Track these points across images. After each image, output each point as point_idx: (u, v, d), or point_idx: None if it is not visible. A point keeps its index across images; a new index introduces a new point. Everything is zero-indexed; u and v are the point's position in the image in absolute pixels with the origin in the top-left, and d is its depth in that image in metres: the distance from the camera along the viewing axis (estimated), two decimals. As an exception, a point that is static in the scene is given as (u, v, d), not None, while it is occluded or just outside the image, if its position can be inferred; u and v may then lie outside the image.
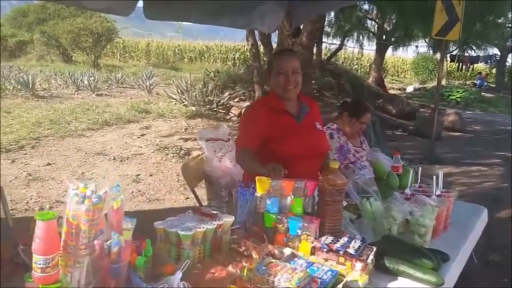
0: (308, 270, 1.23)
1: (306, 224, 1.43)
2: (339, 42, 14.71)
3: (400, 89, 20.47)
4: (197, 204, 3.77)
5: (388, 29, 15.52)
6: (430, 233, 1.64)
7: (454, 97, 16.94)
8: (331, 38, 13.98)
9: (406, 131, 9.81)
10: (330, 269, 1.28)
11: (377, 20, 15.04)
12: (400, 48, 17.98)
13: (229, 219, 1.36)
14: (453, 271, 1.56)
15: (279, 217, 1.48)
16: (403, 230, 1.68)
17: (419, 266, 1.41)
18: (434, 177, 1.92)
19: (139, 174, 4.99)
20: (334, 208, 1.54)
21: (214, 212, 1.40)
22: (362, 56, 24.52)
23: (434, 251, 1.54)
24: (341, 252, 1.36)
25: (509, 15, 14.63)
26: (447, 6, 6.45)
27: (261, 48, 8.88)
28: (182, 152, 5.83)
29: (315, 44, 9.26)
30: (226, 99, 9.00)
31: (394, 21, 12.98)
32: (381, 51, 16.21)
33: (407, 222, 1.68)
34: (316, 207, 1.62)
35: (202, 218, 1.35)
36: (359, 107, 3.12)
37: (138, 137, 6.62)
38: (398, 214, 1.64)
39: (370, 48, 18.12)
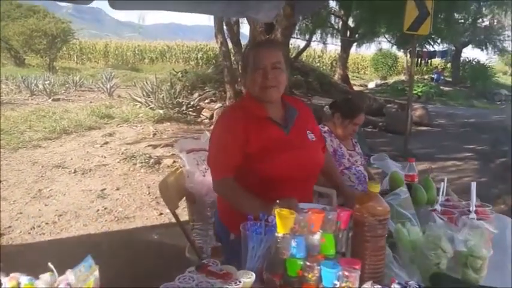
0: None
1: (345, 273, 1.08)
2: (304, 40, 14.56)
3: (361, 85, 20.75)
4: (173, 221, 3.36)
5: (352, 26, 15.55)
6: (486, 266, 1.33)
7: (415, 92, 17.25)
8: (296, 35, 13.77)
9: (376, 128, 9.77)
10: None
11: (342, 17, 15.02)
12: (364, 45, 18.15)
13: (248, 280, 0.99)
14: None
15: (308, 263, 1.12)
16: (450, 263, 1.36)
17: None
18: (472, 188, 1.62)
19: (104, 189, 4.48)
20: (375, 245, 1.20)
21: (227, 269, 1.01)
22: (323, 53, 24.67)
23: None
24: (398, 309, 1.03)
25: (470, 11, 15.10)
26: (417, 1, 6.37)
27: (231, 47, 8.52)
28: (152, 160, 5.34)
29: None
30: (196, 100, 8.56)
31: (360, 17, 12.96)
32: (345, 48, 16.25)
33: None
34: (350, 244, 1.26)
35: (210, 279, 0.97)
36: (353, 106, 2.84)
37: (101, 146, 6.06)
38: (449, 245, 1.31)
39: (333, 46, 18.18)
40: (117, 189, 4.52)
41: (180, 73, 11.04)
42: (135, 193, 4.44)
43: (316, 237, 1.18)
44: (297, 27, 13.46)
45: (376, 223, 1.18)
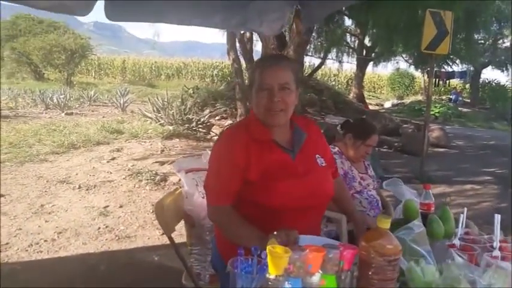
0: None
1: (348, 322, 0.91)
2: (318, 58, 14.50)
3: (377, 105, 20.55)
4: (175, 242, 3.20)
5: (368, 44, 15.47)
6: (512, 314, 1.14)
7: (432, 112, 16.97)
8: (311, 53, 13.72)
9: (392, 148, 9.54)
10: None
11: (358, 36, 14.95)
12: (380, 64, 18.04)
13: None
14: None
15: (304, 309, 0.96)
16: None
17: None
18: (496, 221, 1.44)
19: (107, 206, 4.35)
20: (384, 289, 1.03)
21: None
22: (339, 72, 24.63)
23: None
24: None
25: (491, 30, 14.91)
26: (436, 19, 6.22)
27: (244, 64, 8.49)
28: (158, 177, 5.21)
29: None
30: (206, 117, 8.47)
31: (376, 36, 12.86)
32: (361, 67, 16.15)
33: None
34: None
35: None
36: (366, 127, 2.70)
37: (107, 161, 5.97)
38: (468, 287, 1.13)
39: (349, 64, 18.09)
40: (121, 206, 4.39)
41: (191, 89, 11.05)
42: (139, 211, 4.31)
43: (315, 279, 1.01)
44: (312, 45, 13.45)
45: (385, 264, 1.01)
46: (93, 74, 25.94)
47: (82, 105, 12.73)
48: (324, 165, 1.64)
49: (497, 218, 1.50)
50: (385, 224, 1.04)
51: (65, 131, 7.79)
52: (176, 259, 3.23)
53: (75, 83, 19.96)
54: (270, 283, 0.98)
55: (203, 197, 2.26)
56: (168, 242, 3.72)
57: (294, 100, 1.55)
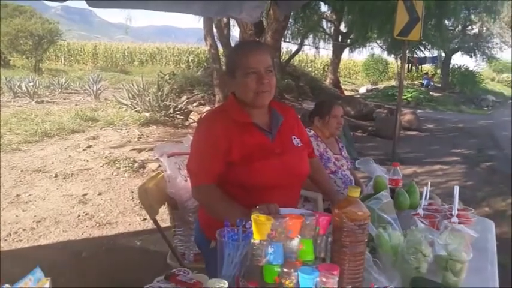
0: None
1: (323, 279, 1.03)
2: (295, 44, 14.58)
3: (353, 90, 20.88)
4: (154, 227, 3.27)
5: (344, 31, 15.64)
6: (465, 269, 1.30)
7: (405, 97, 17.41)
8: (288, 39, 13.78)
9: (366, 132, 9.80)
10: None
11: (334, 22, 15.08)
12: (356, 50, 18.27)
13: (220, 286, 0.93)
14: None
15: (285, 270, 1.07)
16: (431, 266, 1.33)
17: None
18: (455, 192, 1.59)
19: (86, 194, 4.36)
20: (354, 251, 1.15)
21: (196, 277, 0.95)
22: (315, 58, 24.79)
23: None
24: (377, 318, 0.98)
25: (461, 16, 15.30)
26: (408, 6, 6.39)
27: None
28: (136, 165, 5.23)
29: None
30: (184, 103, 8.44)
31: (351, 22, 13.02)
32: (337, 53, 16.33)
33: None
34: (329, 250, 1.21)
35: (180, 288, 0.91)
36: (325, 104, 2.88)
37: (83, 150, 5.93)
38: (429, 249, 1.28)
39: (326, 50, 18.26)
40: (99, 194, 4.41)
41: (168, 75, 10.92)
42: (118, 198, 4.34)
43: (294, 243, 1.13)
44: (289, 31, 13.49)
45: (355, 228, 1.14)
46: (63, 61, 25.10)
47: (53, 92, 12.39)
48: (300, 145, 1.75)
49: (456, 189, 1.65)
50: (355, 193, 1.16)
51: (37, 120, 7.63)
52: (159, 243, 3.34)
53: (43, 69, 19.29)
54: (254, 247, 1.09)
55: (186, 180, 2.34)
56: (150, 227, 3.83)
57: (275, 82, 1.66)
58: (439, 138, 10.36)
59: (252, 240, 1.09)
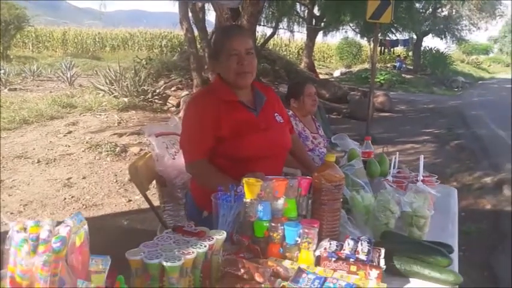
0: (325, 289, 1.02)
1: (305, 230, 1.21)
2: (270, 28, 14.61)
3: (327, 74, 21.12)
4: (143, 207, 3.42)
5: (317, 14, 15.74)
6: (428, 224, 1.50)
7: (378, 79, 17.78)
8: (263, 23, 13.80)
9: (341, 114, 10.06)
10: (346, 283, 1.08)
11: (308, 5, 15.16)
12: (329, 34, 18.42)
13: (220, 237, 1.09)
14: (456, 263, 1.43)
15: (273, 224, 1.24)
16: (398, 223, 1.53)
17: (433, 265, 1.26)
18: (420, 161, 1.79)
19: (70, 178, 4.44)
20: (332, 207, 1.34)
21: (200, 228, 1.11)
22: (290, 42, 24.84)
23: (437, 243, 1.40)
24: (352, 260, 1.17)
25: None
26: (379, -11, 6.57)
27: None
28: (118, 149, 5.31)
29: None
30: (161, 88, 8.46)
31: (324, 6, 13.15)
32: (311, 36, 16.44)
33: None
34: (310, 208, 1.39)
35: (187, 238, 1.06)
36: (297, 85, 3.04)
37: (64, 135, 5.94)
38: (396, 207, 1.48)
39: (300, 34, 18.33)
40: (84, 177, 4.49)
41: (144, 60, 10.84)
42: (102, 181, 4.43)
43: (280, 202, 1.30)
44: (264, 15, 13.52)
45: (332, 188, 1.32)
46: (31, 47, 24.28)
47: (25, 80, 12.12)
48: (282, 121, 1.92)
49: (421, 158, 1.87)
50: (332, 158, 1.34)
51: (13, 107, 7.51)
52: (146, 222, 3.48)
53: (12, 57, 18.69)
54: (247, 206, 1.26)
55: (173, 159, 2.48)
56: (136, 208, 3.95)
57: (256, 64, 1.80)
58: (411, 119, 10.75)
59: (244, 200, 1.26)
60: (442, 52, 25.61)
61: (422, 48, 25.00)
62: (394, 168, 1.98)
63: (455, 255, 1.46)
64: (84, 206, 3.83)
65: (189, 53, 8.43)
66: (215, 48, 1.84)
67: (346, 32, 20.18)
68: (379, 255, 1.21)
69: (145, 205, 2.47)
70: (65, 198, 3.96)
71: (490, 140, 8.24)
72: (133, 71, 8.80)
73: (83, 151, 5.29)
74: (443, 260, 1.27)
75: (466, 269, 3.24)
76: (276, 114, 1.90)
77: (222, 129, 1.71)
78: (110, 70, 8.93)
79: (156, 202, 2.71)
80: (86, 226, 0.78)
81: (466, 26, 26.26)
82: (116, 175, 4.58)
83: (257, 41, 13.93)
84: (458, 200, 5.12)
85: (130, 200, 3.99)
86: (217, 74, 1.85)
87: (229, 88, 1.78)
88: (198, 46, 8.49)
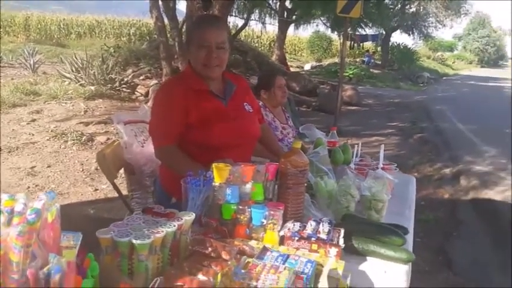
0: (288, 265, 1.08)
1: (271, 212, 1.27)
2: (242, 19, 14.57)
3: (298, 67, 21.31)
4: (109, 196, 3.40)
5: (289, 7, 15.82)
6: (385, 208, 1.60)
7: (347, 74, 18.12)
8: (235, 13, 13.76)
9: (310, 107, 10.23)
10: (308, 259, 1.14)
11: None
12: (301, 27, 18.56)
13: (189, 217, 1.13)
14: (411, 243, 1.54)
15: (240, 207, 1.30)
16: (358, 207, 1.62)
17: (388, 244, 1.35)
18: (381, 150, 1.89)
19: (34, 167, 4.33)
20: (296, 191, 1.41)
21: (170, 210, 1.15)
22: (262, 34, 24.86)
23: (393, 225, 1.50)
24: (313, 239, 1.24)
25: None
26: (349, -16, 6.70)
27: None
28: (84, 137, 5.21)
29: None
30: (130, 77, 8.31)
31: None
32: (283, 29, 16.52)
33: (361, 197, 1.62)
34: (276, 191, 1.46)
35: (156, 219, 1.10)
36: (267, 76, 3.09)
37: (27, 123, 5.76)
38: (356, 191, 1.56)
39: (272, 26, 18.37)
40: (49, 166, 4.39)
41: (112, 48, 10.59)
42: (68, 170, 4.35)
43: (248, 186, 1.36)
44: (235, 6, 13.46)
45: (297, 173, 1.39)
46: (-10, 33, 23.16)
47: (-16, 66, 11.63)
48: (251, 111, 1.96)
49: (382, 147, 1.97)
50: (298, 144, 1.41)
51: (-28, 94, 7.20)
52: (113, 210, 3.46)
53: (-30, 42, 17.80)
54: (215, 189, 1.30)
55: (142, 146, 2.49)
56: (103, 197, 3.91)
57: (227, 58, 1.83)
58: (377, 113, 11.06)
59: (213, 183, 1.31)
60: (410, 48, 26.34)
61: (390, 44, 25.61)
62: (356, 156, 2.08)
63: (410, 237, 1.57)
64: (49, 195, 3.74)
65: (158, 41, 8.31)
66: (188, 36, 1.87)
67: (317, 25, 20.41)
68: (339, 235, 1.29)
69: (113, 194, 2.47)
70: (29, 187, 3.87)
71: (451, 134, 8.63)
72: (100, 59, 8.59)
73: (47, 140, 5.15)
74: (397, 239, 1.36)
75: (423, 253, 3.45)
76: (245, 103, 1.94)
77: (190, 116, 1.73)
78: (76, 58, 8.68)
79: (124, 191, 2.72)
80: (57, 204, 0.81)
81: (432, 23, 27.11)
82: (82, 164, 4.51)
83: (229, 32, 13.85)
84: (418, 190, 5.37)
85: (97, 189, 3.94)
86: (189, 61, 1.87)
87: (199, 77, 1.81)
88: (168, 35, 8.38)
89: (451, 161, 6.44)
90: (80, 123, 5.88)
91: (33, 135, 5.31)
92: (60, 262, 0.74)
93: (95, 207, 3.61)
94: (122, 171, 2.63)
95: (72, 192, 3.89)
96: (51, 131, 5.47)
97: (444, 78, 27.79)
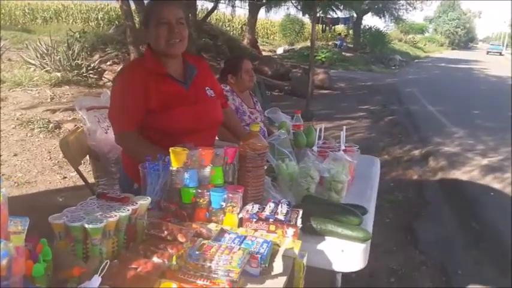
0: (244, 246, 1.11)
1: (230, 195, 1.29)
2: (211, 2, 14.35)
3: (271, 51, 21.23)
4: (79, 184, 3.35)
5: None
6: (345, 189, 1.65)
7: (319, 57, 18.21)
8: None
9: (282, 91, 10.25)
10: (264, 240, 1.17)
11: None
12: (272, 10, 18.43)
13: (144, 202, 1.14)
14: (370, 223, 1.59)
15: (199, 191, 1.31)
16: (319, 188, 1.66)
17: (345, 224, 1.39)
18: (342, 132, 1.93)
19: (0, 155, 4.21)
20: (256, 174, 1.43)
21: (125, 194, 1.16)
22: (233, 17, 24.56)
23: (352, 205, 1.55)
24: (271, 220, 1.27)
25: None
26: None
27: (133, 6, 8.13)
28: (51, 125, 5.08)
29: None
30: (97, 62, 8.09)
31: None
32: (253, 12, 16.38)
33: (322, 179, 1.66)
34: (236, 175, 1.48)
35: (110, 203, 1.10)
36: (234, 60, 3.02)
37: (-8, 111, 5.57)
38: (316, 173, 1.60)
39: (243, 10, 18.17)
40: (15, 155, 4.27)
41: (77, 33, 10.25)
42: (35, 158, 4.25)
43: (207, 170, 1.37)
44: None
45: (256, 156, 1.41)
46: (-49, 18, 22.03)
47: None
48: (213, 96, 1.94)
49: (343, 129, 2.02)
50: (256, 128, 1.43)
51: None
52: (82, 198, 3.39)
53: None
54: (173, 174, 1.31)
55: (106, 133, 2.45)
56: (72, 184, 3.85)
57: (187, 35, 1.80)
58: (349, 96, 11.19)
59: (171, 168, 1.31)
60: (381, 31, 26.60)
61: (362, 27, 25.79)
62: (320, 139, 2.12)
63: (370, 217, 1.63)
64: (16, 184, 3.67)
65: (125, 26, 8.10)
66: (146, 16, 1.82)
67: (288, 8, 20.30)
68: (297, 216, 1.32)
69: (81, 181, 2.44)
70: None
71: (421, 115, 8.85)
72: (66, 45, 8.32)
73: (13, 128, 5.00)
74: (354, 219, 1.41)
75: (392, 233, 3.57)
76: (207, 88, 1.92)
77: (150, 101, 1.72)
78: (40, 43, 8.37)
79: (91, 178, 2.69)
80: (4, 189, 0.80)
81: (403, 5, 27.33)
82: (50, 152, 4.41)
83: (198, 15, 13.66)
84: (387, 172, 5.48)
85: (65, 177, 3.88)
86: (148, 44, 1.84)
87: (159, 60, 1.78)
88: (136, 19, 8.18)
89: (421, 142, 6.61)
90: (47, 110, 5.71)
91: (-3, 123, 5.13)
92: (7, 247, 0.75)
93: (63, 195, 3.55)
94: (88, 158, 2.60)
95: (40, 181, 3.81)
96: (17, 119, 5.30)
97: (416, 60, 28.28)
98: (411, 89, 13.06)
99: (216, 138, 2.07)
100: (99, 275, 0.81)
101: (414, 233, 3.61)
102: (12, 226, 0.80)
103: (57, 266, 0.93)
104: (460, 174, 5.14)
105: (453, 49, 51.77)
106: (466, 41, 61.12)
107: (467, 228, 3.75)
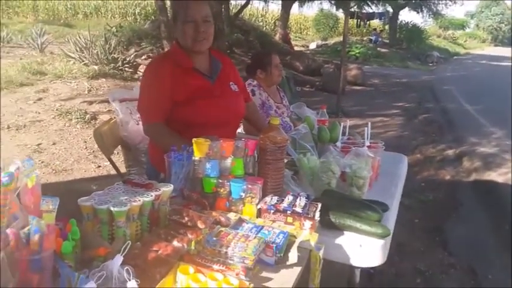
0: (260, 235, 1.15)
1: (249, 186, 1.34)
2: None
3: (303, 46, 21.07)
4: (112, 173, 3.49)
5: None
6: (367, 184, 1.65)
7: (353, 53, 17.90)
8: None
9: (313, 87, 10.17)
10: (281, 231, 1.21)
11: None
12: (306, 5, 18.27)
13: (167, 189, 1.20)
14: (392, 220, 1.59)
15: (220, 181, 1.36)
16: (340, 183, 1.67)
17: (364, 219, 1.40)
18: (366, 128, 1.93)
19: (40, 144, 4.44)
20: (275, 166, 1.46)
21: (149, 181, 1.22)
22: (266, 13, 24.53)
23: (373, 202, 1.55)
24: (289, 212, 1.30)
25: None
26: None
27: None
28: (88, 116, 5.31)
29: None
30: (132, 56, 8.33)
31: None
32: (286, 7, 16.29)
33: (344, 174, 1.67)
34: (256, 167, 1.52)
35: (135, 189, 1.17)
36: (263, 56, 3.03)
37: (34, 102, 5.86)
38: (337, 168, 1.61)
39: (277, 5, 18.12)
40: (54, 144, 4.50)
41: (114, 28, 10.57)
42: (72, 147, 4.45)
43: (228, 161, 1.42)
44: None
45: (276, 149, 1.44)
46: (1, 13, 23.20)
47: (-6, 46, 11.70)
48: (236, 90, 2.00)
49: (368, 124, 2.01)
50: (276, 121, 1.46)
51: (-19, 73, 7.30)
52: (113, 187, 3.54)
53: (-20, 23, 17.84)
54: (195, 163, 1.37)
55: (137, 124, 2.55)
56: (105, 173, 4.02)
57: (213, 32, 1.85)
58: (383, 93, 10.97)
59: (193, 158, 1.37)
60: (418, 26, 25.78)
61: (398, 22, 25.09)
62: (345, 135, 2.12)
63: (392, 214, 1.62)
64: (54, 171, 3.87)
65: (160, 21, 8.26)
66: (173, 13, 1.89)
67: (321, 3, 20.04)
68: (316, 209, 1.35)
69: (114, 171, 2.55)
70: (35, 163, 3.97)
71: (457, 114, 8.53)
72: (103, 39, 8.61)
73: (52, 118, 5.26)
74: (374, 214, 1.42)
75: (421, 233, 3.51)
76: (231, 83, 1.97)
77: (176, 93, 1.77)
78: (80, 38, 8.71)
79: (123, 168, 2.81)
80: (37, 171, 0.88)
81: (442, 0, 26.41)
82: (86, 142, 4.62)
83: (231, 10, 13.73)
84: (419, 171, 5.32)
85: (99, 166, 4.05)
86: (176, 39, 1.90)
87: (186, 54, 1.84)
88: (170, 14, 8.32)
89: (455, 142, 6.41)
90: (84, 102, 5.96)
91: (39, 113, 5.41)
92: (39, 224, 0.82)
93: (97, 183, 3.70)
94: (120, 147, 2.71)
95: (75, 169, 3.99)
96: (56, 109, 5.57)
97: (455, 57, 27.25)
98: (448, 86, 12.63)
99: (241, 131, 2.11)
100: (121, 255, 0.88)
101: (444, 235, 3.53)
102: (44, 205, 0.87)
103: (85, 245, 1.00)
104: (495, 175, 4.95)
105: (496, 46, 49.44)
106: (510, 37, 58.24)
107: (500, 232, 3.62)
